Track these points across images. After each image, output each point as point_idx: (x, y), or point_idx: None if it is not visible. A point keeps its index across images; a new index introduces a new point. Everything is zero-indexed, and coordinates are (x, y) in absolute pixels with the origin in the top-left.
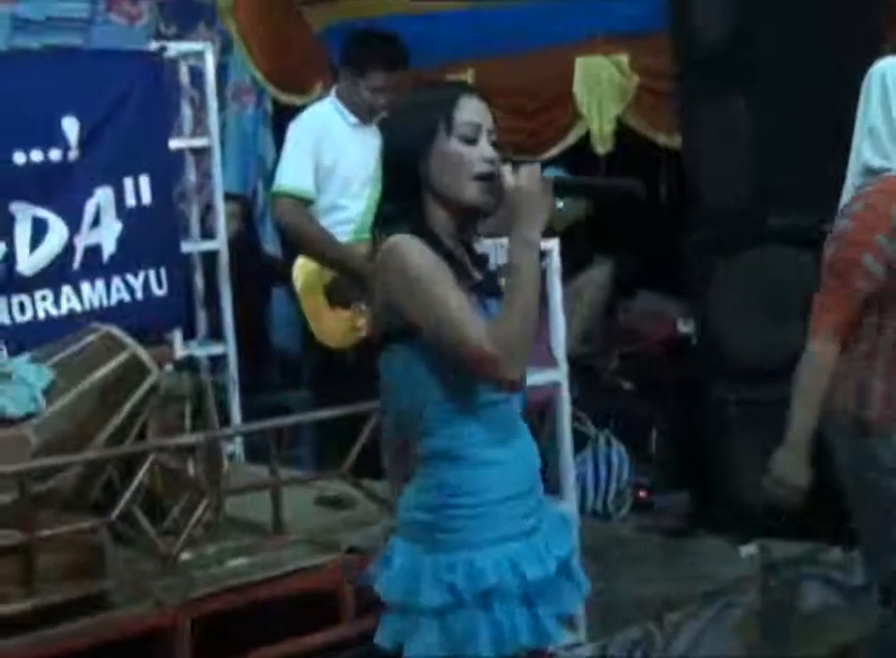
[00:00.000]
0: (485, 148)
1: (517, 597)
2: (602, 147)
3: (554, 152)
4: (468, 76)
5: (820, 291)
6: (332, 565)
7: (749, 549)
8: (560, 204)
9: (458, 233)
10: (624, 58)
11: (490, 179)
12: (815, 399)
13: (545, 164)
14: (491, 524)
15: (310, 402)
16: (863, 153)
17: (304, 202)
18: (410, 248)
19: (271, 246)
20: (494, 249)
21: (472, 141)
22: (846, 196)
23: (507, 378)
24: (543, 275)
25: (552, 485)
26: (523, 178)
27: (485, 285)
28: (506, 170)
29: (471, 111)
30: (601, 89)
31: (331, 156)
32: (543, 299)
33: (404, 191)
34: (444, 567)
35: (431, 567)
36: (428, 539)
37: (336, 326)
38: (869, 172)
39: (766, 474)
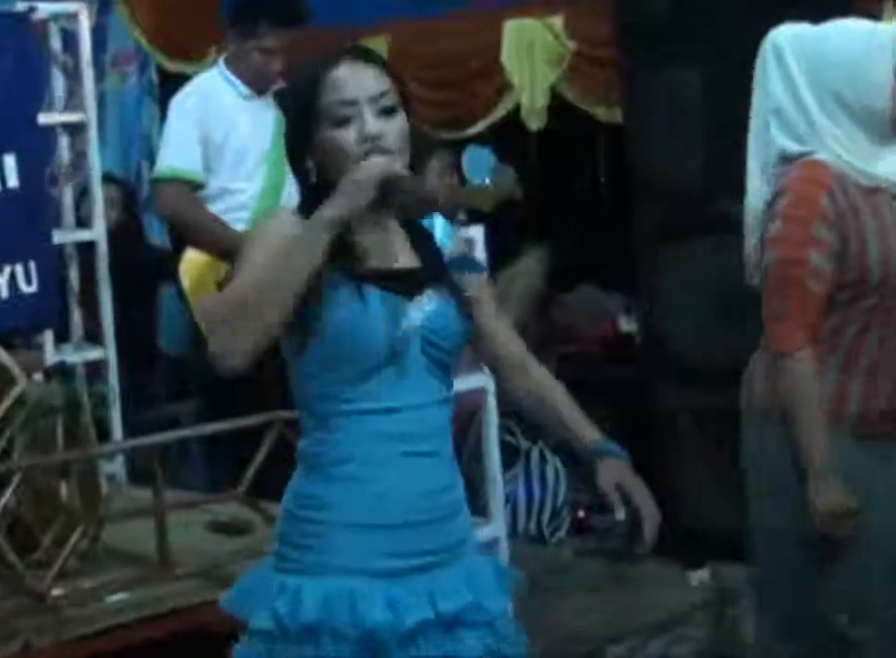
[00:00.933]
0: (367, 123)
1: (353, 640)
2: (534, 122)
3: (480, 127)
4: (383, 42)
5: (769, 303)
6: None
7: (700, 575)
8: (487, 179)
9: (376, 215)
10: (558, 22)
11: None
12: (817, 412)
13: (470, 142)
14: (338, 551)
15: (201, 414)
16: (775, 138)
17: (191, 186)
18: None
19: (157, 236)
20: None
21: (344, 122)
22: (756, 188)
23: (214, 350)
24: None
25: (478, 506)
26: (365, 165)
27: (410, 274)
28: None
29: (342, 85)
30: (533, 56)
31: (221, 132)
32: None
33: (302, 183)
34: (276, 588)
35: (268, 584)
36: (276, 551)
37: None
38: (786, 160)
39: (815, 517)
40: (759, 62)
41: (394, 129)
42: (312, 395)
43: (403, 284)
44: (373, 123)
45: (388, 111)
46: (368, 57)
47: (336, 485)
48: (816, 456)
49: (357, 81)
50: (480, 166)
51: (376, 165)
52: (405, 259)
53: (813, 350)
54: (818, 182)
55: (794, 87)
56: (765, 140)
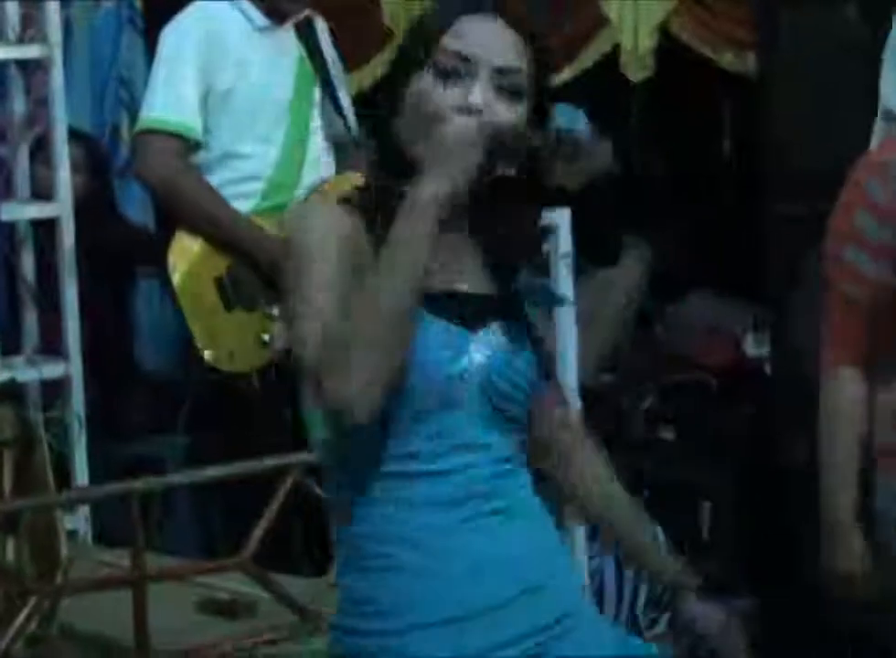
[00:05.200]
0: (472, 92)
1: None
2: (637, 71)
3: (566, 76)
4: None
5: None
6: None
7: None
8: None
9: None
10: None
11: None
12: (848, 455)
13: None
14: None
15: (193, 453)
16: (884, 86)
17: (186, 145)
18: (317, 211)
19: (136, 212)
20: None
21: (449, 76)
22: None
23: (332, 394)
24: (546, 263)
25: None
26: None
27: (480, 301)
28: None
29: (472, 37)
30: None
31: (228, 77)
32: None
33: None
34: None
35: None
36: None
37: (236, 338)
38: (890, 119)
39: (829, 579)
40: None
41: (509, 117)
42: (354, 451)
43: (469, 312)
44: (483, 95)
45: (511, 93)
46: (517, 24)
47: (405, 577)
48: (832, 508)
49: (488, 40)
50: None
51: (470, 124)
52: (475, 281)
53: (859, 372)
54: (878, 164)
55: None
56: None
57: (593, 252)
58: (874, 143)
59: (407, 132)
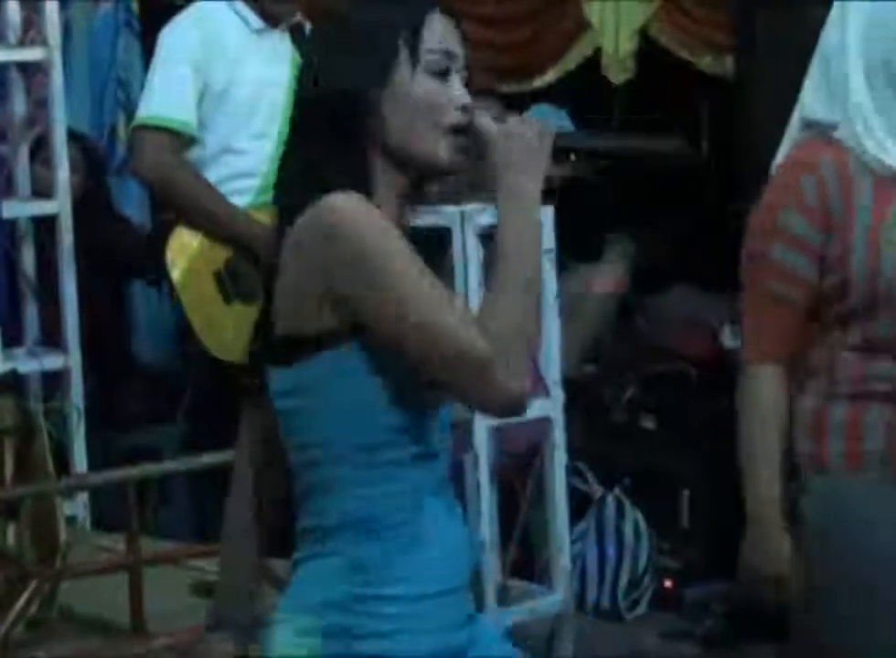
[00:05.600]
0: (458, 88)
1: None
2: (618, 73)
3: (550, 78)
4: None
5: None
6: None
7: None
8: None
9: (404, 199)
10: None
11: (464, 133)
12: (773, 452)
13: (535, 99)
14: (416, 630)
15: (188, 442)
16: (804, 94)
17: (183, 141)
18: (358, 212)
19: (134, 210)
20: (456, 218)
21: (444, 75)
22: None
23: (510, 391)
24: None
25: (537, 570)
26: (514, 124)
27: None
28: (483, 116)
29: (441, 32)
30: None
31: (224, 76)
32: None
33: (336, 138)
34: None
35: None
36: (338, 649)
37: (235, 330)
38: (808, 125)
39: (741, 572)
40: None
41: (472, 108)
42: (380, 433)
43: None
44: (464, 92)
45: (465, 85)
46: (448, 12)
47: (393, 549)
48: (753, 498)
49: (452, 35)
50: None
51: (536, 123)
52: None
53: (783, 371)
54: (806, 163)
55: (844, 44)
56: (802, 101)
57: (577, 249)
58: (785, 149)
59: (402, 131)
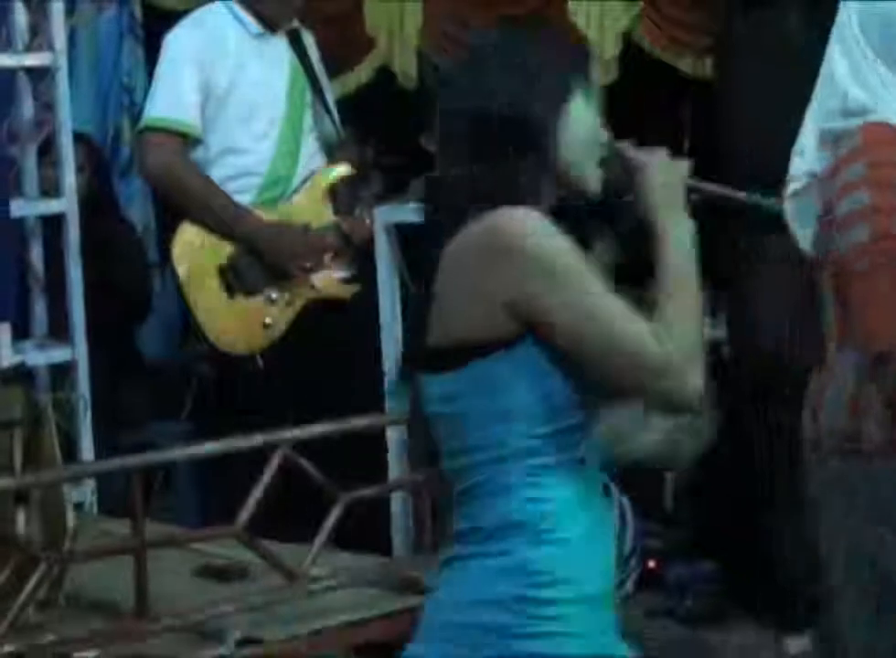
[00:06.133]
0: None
1: None
2: (602, 76)
3: None
4: None
5: (865, 292)
6: None
7: (801, 643)
8: None
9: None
10: None
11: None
12: None
13: None
14: (578, 634)
15: (194, 436)
16: (839, 78)
17: (186, 141)
18: (542, 225)
19: (137, 210)
20: None
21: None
22: (811, 152)
23: (689, 390)
24: None
25: None
26: (648, 154)
27: None
28: (630, 148)
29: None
30: None
31: (226, 79)
32: None
33: (514, 157)
34: None
35: None
36: (494, 648)
37: (239, 323)
38: (848, 113)
39: None
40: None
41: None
42: (547, 437)
43: None
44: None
45: None
46: None
47: (560, 554)
48: None
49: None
50: None
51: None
52: None
53: None
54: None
55: (862, 50)
56: (832, 81)
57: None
58: (825, 146)
59: (568, 158)
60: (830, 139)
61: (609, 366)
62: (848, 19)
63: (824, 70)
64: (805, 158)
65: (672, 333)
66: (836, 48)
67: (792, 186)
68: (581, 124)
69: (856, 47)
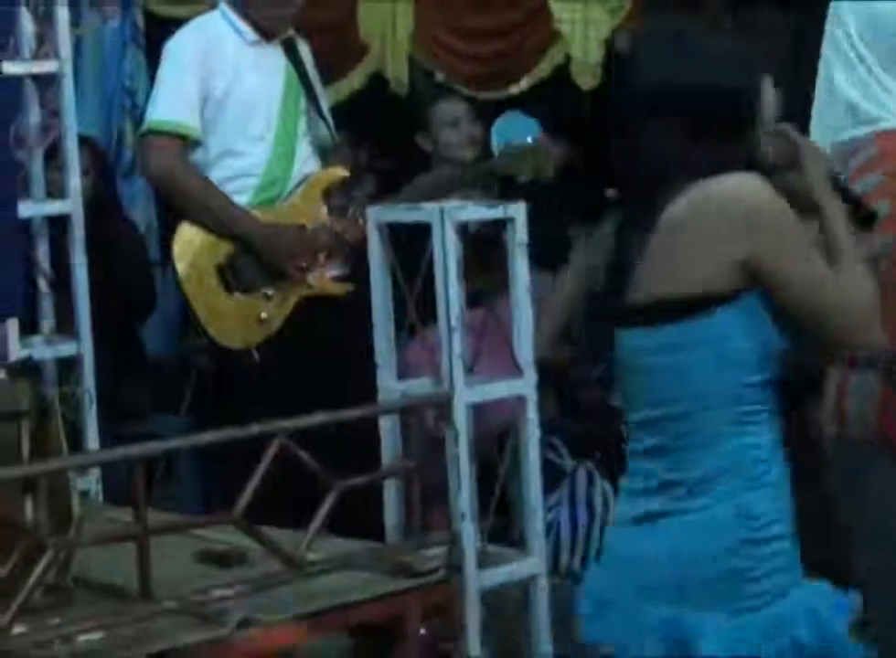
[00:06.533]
0: None
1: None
2: (587, 80)
3: (523, 85)
4: None
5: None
6: (216, 643)
7: None
8: (529, 138)
9: None
10: None
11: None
12: None
13: (510, 105)
14: (791, 566)
15: (194, 427)
16: (840, 87)
17: (186, 143)
18: (773, 194)
19: (140, 210)
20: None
21: None
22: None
23: (877, 335)
24: (504, 250)
25: (514, 535)
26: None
27: None
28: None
29: None
30: (586, 0)
31: (223, 84)
32: (505, 281)
33: (728, 136)
34: (759, 627)
35: (738, 635)
36: (727, 595)
37: (236, 318)
38: (854, 117)
39: None
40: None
41: None
42: (757, 386)
43: None
44: None
45: None
46: None
47: (771, 494)
48: None
49: None
50: (518, 136)
51: None
52: None
53: None
54: None
55: (858, 53)
56: (831, 91)
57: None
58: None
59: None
60: (846, 150)
61: (826, 321)
62: (843, 32)
63: (821, 85)
64: None
65: (862, 292)
66: (832, 61)
67: None
68: (767, 105)
69: (855, 57)
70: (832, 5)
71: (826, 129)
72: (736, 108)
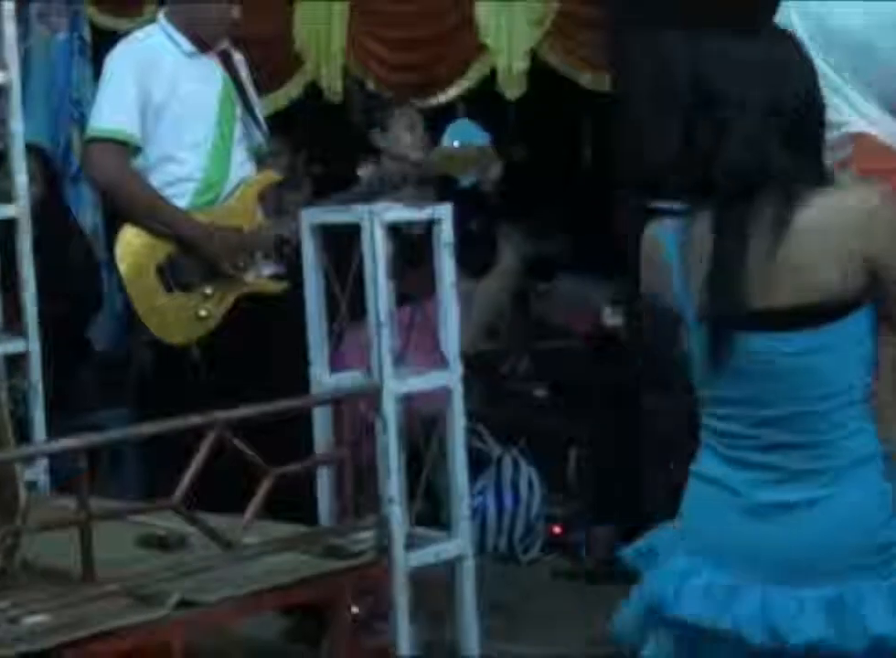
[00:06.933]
0: None
1: None
2: (511, 89)
3: (452, 94)
4: None
5: None
6: (156, 623)
7: None
8: (456, 143)
9: None
10: None
11: None
12: None
13: (444, 112)
14: None
15: (138, 419)
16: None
17: (128, 150)
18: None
19: (87, 215)
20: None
21: None
22: None
23: None
24: (432, 250)
25: (442, 518)
26: None
27: None
28: None
29: None
30: (511, 14)
31: (161, 94)
32: (432, 281)
33: (815, 146)
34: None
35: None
36: (879, 567)
37: (176, 316)
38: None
39: None
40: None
41: None
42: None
43: None
44: None
45: None
46: None
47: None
48: None
49: None
50: (468, 141)
51: None
52: None
53: None
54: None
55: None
56: None
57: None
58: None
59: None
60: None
61: None
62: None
63: None
64: None
65: None
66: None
67: None
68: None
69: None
70: (783, 13)
71: None
72: (821, 114)
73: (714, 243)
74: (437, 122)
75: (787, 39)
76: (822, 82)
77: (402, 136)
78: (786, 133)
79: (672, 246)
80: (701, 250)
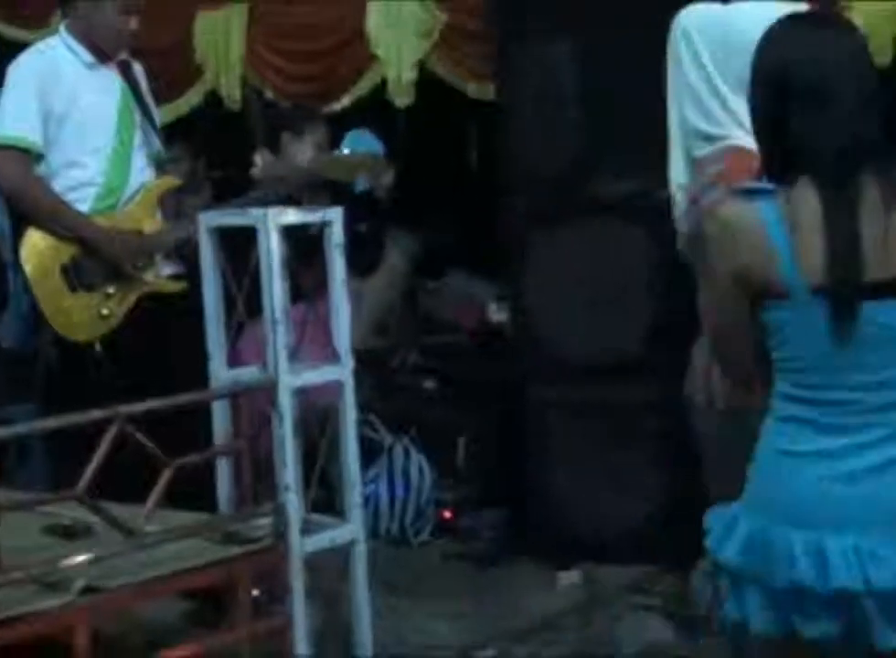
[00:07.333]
0: None
1: None
2: (401, 99)
3: (344, 103)
4: (243, 9)
5: None
6: (61, 609)
7: (570, 576)
8: (346, 149)
9: None
10: None
11: None
12: None
13: (339, 120)
14: None
15: (44, 413)
16: (690, 119)
17: (31, 156)
18: None
19: None
20: (261, 218)
21: None
22: (677, 167)
23: None
24: (323, 251)
25: (336, 504)
26: None
27: None
28: None
29: None
30: (400, 26)
31: (62, 105)
32: (324, 280)
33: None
34: None
35: None
36: None
37: (80, 315)
38: (707, 138)
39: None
40: (670, 42)
41: None
42: None
43: None
44: None
45: None
46: None
47: None
48: None
49: None
50: (364, 148)
51: None
52: None
53: None
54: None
55: (706, 73)
56: (682, 117)
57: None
58: (680, 165)
59: None
60: (703, 163)
61: None
62: (687, 47)
63: (672, 115)
64: (678, 173)
65: None
66: (681, 93)
67: (678, 197)
68: None
69: (702, 80)
70: (679, 23)
71: (679, 148)
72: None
73: (827, 220)
74: (335, 131)
75: (855, 29)
76: (713, 98)
77: (308, 150)
78: (875, 115)
79: (776, 224)
80: (810, 227)
